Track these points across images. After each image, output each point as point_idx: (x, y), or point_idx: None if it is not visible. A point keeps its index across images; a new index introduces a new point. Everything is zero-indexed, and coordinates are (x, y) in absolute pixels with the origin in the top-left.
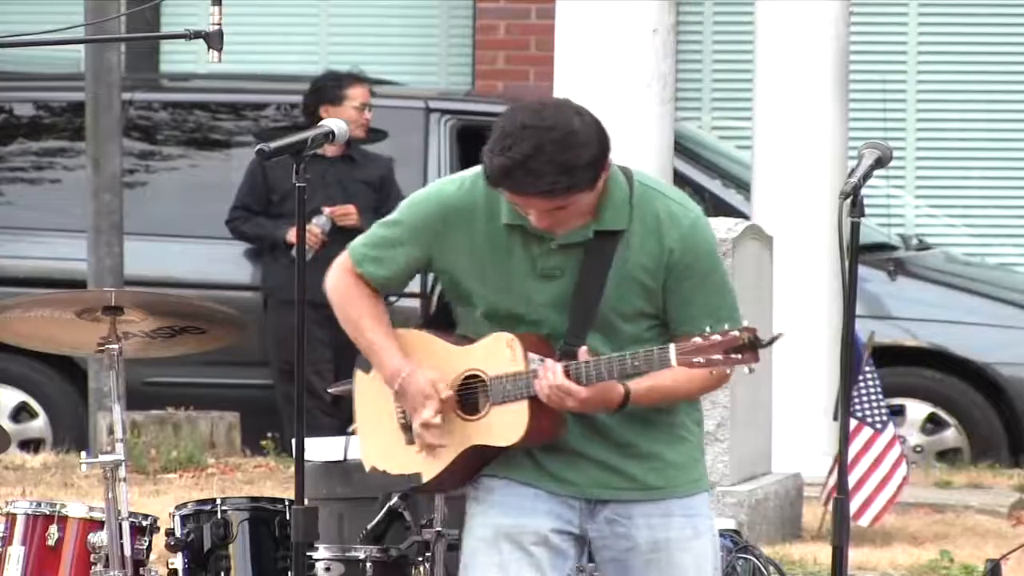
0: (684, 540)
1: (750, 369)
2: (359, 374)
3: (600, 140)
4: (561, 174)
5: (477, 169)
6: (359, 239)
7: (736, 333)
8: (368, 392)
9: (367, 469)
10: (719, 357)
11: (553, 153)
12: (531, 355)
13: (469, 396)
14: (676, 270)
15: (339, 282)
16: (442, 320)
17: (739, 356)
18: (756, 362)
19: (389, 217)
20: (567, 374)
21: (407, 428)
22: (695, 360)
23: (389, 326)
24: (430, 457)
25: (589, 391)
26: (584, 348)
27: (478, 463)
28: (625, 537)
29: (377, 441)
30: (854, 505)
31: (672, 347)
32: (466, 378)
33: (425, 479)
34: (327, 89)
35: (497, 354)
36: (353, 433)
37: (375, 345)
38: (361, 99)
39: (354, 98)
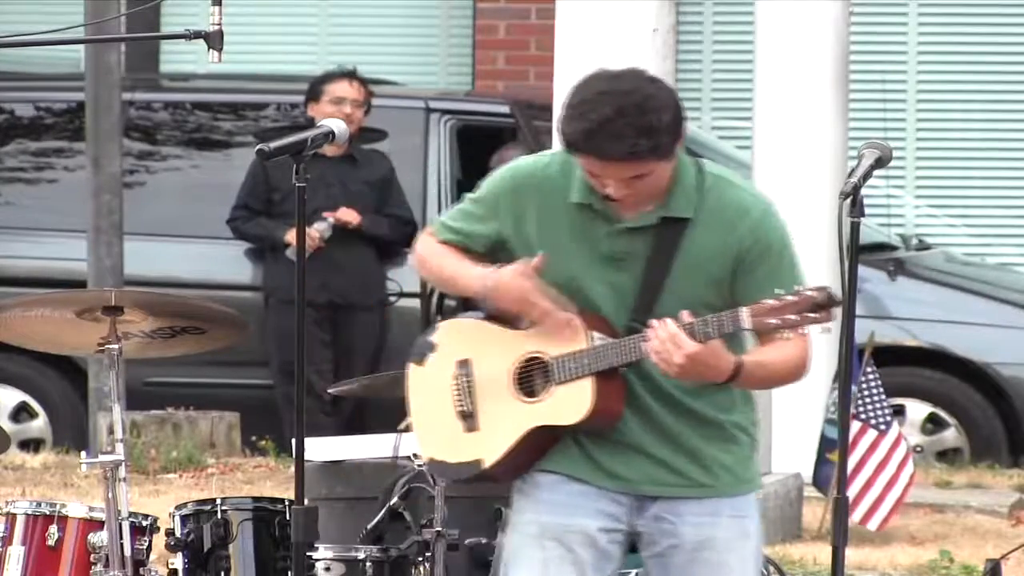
0: (732, 540)
1: (825, 330)
2: (411, 367)
3: (676, 106)
4: (642, 136)
5: (558, 149)
6: (444, 213)
7: (810, 292)
8: (422, 384)
9: (426, 461)
10: (795, 317)
11: (634, 116)
12: (594, 333)
13: (528, 379)
14: (747, 259)
15: (420, 245)
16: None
17: (815, 315)
18: (831, 321)
19: (472, 193)
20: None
21: (465, 416)
22: (769, 321)
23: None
24: (491, 443)
25: (700, 346)
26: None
27: (541, 446)
28: (671, 534)
29: (435, 432)
30: (862, 509)
31: (743, 309)
32: (526, 361)
33: (486, 465)
34: (312, 86)
35: (558, 334)
36: (407, 429)
37: (456, 275)
38: (338, 94)
39: (330, 93)
